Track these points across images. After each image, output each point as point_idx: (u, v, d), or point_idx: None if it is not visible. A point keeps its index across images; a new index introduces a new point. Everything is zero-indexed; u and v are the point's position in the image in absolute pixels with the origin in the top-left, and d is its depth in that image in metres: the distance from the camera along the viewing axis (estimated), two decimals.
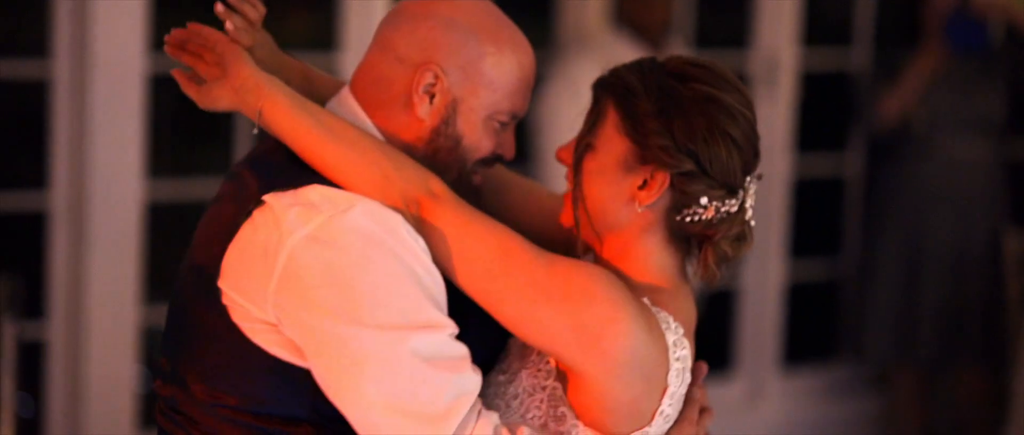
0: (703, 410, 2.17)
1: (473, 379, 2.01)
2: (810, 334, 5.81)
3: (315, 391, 2.03)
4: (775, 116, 5.36)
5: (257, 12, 2.21)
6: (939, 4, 5.23)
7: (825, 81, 5.61)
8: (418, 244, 2.02)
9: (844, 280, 5.72)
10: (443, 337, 2.00)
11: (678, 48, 5.00)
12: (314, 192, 2.04)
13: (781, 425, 5.58)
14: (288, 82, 2.20)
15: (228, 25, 2.15)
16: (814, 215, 5.72)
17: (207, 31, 2.15)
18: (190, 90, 2.15)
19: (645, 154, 2.07)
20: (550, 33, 5.06)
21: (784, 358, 5.64)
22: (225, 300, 2.06)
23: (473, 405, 2.00)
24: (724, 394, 5.43)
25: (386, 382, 1.97)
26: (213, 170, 4.59)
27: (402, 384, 1.97)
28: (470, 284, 2.03)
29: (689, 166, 2.06)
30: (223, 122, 4.51)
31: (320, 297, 1.98)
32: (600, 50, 4.80)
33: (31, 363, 4.27)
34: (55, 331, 4.28)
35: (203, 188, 4.42)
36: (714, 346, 5.55)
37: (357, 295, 1.97)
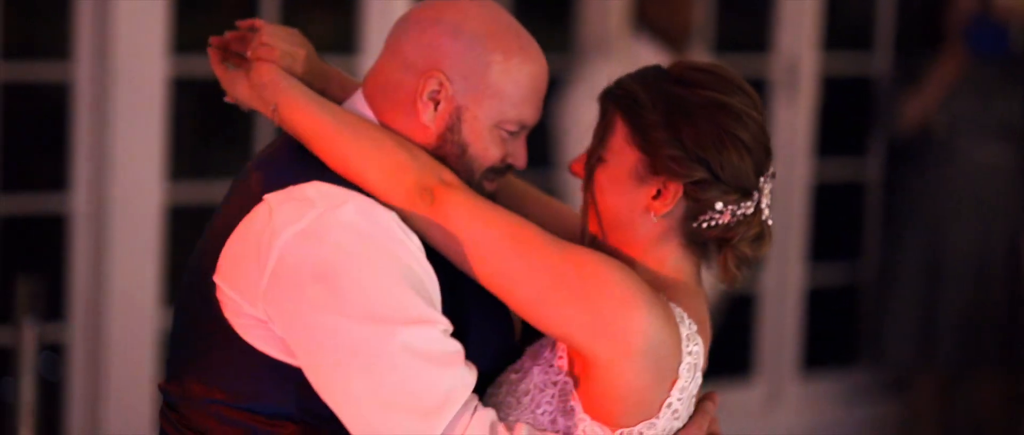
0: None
1: (467, 375, 1.99)
2: (830, 339, 5.79)
3: (303, 389, 2.03)
4: (795, 120, 5.34)
5: (278, 41, 2.17)
6: (961, 8, 5.22)
7: (845, 85, 5.60)
8: (412, 241, 2.01)
9: (864, 285, 5.71)
10: (435, 332, 1.98)
11: (699, 52, 5.00)
12: (311, 188, 2.04)
13: (800, 430, 5.56)
14: (324, 92, 2.21)
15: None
16: (834, 219, 5.71)
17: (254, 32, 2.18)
18: (218, 69, 2.18)
19: (656, 165, 2.06)
20: (571, 38, 5.05)
21: (803, 363, 5.63)
22: (219, 295, 2.06)
23: (467, 401, 1.99)
24: (743, 399, 5.42)
25: (376, 376, 1.96)
26: (233, 172, 4.55)
27: (392, 378, 1.96)
28: (482, 270, 2.02)
29: (701, 174, 2.05)
30: (243, 124, 4.52)
31: (310, 293, 1.97)
32: (621, 54, 4.79)
33: (51, 365, 4.28)
34: (75, 333, 4.29)
35: (223, 190, 4.38)
36: (734, 350, 5.54)
37: (346, 289, 1.96)
